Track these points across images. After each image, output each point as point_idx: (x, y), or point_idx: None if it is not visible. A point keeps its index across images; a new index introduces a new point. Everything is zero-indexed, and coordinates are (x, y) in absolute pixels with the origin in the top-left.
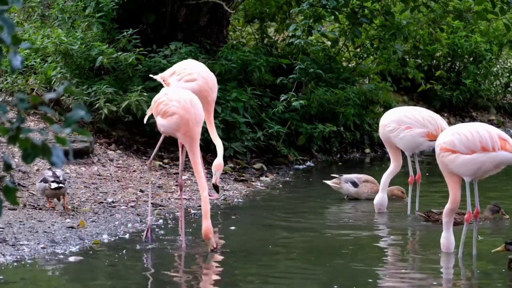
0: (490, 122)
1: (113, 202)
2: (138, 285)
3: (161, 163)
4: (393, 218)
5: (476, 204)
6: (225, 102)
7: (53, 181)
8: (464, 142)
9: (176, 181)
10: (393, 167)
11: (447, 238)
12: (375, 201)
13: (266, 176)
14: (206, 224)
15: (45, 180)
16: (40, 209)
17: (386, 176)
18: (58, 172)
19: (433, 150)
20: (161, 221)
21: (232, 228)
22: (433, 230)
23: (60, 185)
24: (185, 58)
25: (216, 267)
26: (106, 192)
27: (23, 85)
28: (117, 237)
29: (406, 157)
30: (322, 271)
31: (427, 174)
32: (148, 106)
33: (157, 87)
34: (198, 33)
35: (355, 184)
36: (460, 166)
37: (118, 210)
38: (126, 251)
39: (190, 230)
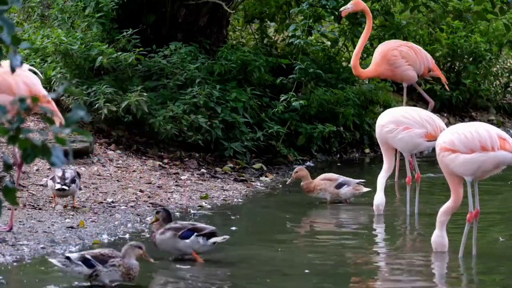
0: (489, 122)
1: (113, 202)
2: (138, 285)
3: (160, 163)
4: (392, 219)
5: (476, 204)
6: (225, 102)
7: (58, 182)
8: (464, 142)
9: (176, 181)
10: (386, 168)
11: (442, 236)
12: (374, 202)
13: (266, 176)
14: None
15: (53, 179)
16: (40, 209)
17: (382, 177)
18: (68, 173)
19: (433, 150)
20: None
21: (232, 228)
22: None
23: (64, 187)
24: (185, 58)
25: (216, 267)
26: (106, 192)
27: None
28: (117, 237)
29: (404, 158)
30: (321, 272)
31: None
32: (148, 106)
33: (157, 87)
34: (198, 33)
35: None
36: (460, 165)
37: (118, 210)
38: None
39: None
